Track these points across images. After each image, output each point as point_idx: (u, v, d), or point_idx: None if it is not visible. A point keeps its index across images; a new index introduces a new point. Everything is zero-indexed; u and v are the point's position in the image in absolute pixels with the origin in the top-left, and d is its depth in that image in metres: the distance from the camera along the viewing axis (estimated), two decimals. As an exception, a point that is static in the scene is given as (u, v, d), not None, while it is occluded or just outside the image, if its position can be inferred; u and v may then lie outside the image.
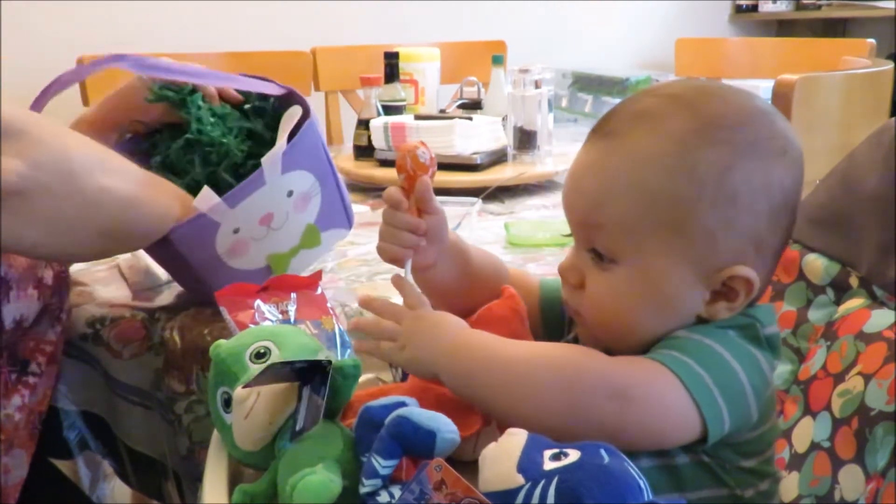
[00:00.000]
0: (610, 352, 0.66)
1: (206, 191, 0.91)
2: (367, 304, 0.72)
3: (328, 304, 0.84)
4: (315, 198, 1.00)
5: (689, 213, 0.63)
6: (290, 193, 0.96)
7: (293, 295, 0.83)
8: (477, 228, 1.30)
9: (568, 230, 0.70)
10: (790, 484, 0.78)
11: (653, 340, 0.66)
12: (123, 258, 1.16)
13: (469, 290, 0.76)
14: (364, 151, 1.74)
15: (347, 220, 1.08)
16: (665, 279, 0.64)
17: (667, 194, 0.63)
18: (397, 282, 0.72)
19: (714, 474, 0.64)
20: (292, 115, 1.01)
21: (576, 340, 0.74)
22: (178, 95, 1.02)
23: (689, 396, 0.60)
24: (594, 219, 0.66)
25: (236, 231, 0.93)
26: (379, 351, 0.69)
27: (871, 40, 2.15)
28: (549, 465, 0.52)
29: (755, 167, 0.64)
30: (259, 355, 0.69)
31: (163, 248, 0.93)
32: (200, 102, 1.02)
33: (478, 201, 1.30)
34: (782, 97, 1.23)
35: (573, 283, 0.69)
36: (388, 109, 1.80)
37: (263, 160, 0.94)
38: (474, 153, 1.62)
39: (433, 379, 0.67)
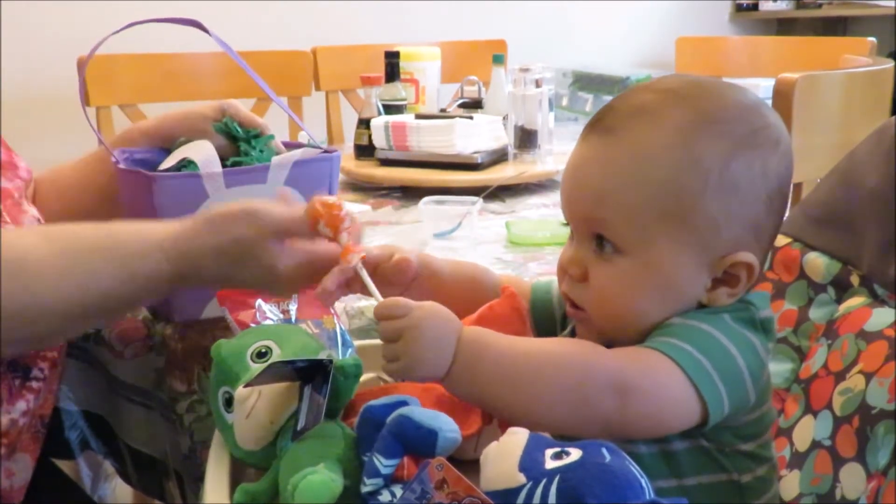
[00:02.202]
0: (611, 344, 0.66)
1: (214, 155, 0.90)
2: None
3: (329, 304, 0.84)
4: None
5: (694, 204, 0.64)
6: None
7: (294, 294, 0.83)
8: (478, 227, 1.30)
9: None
10: (791, 482, 0.78)
11: (653, 328, 0.66)
12: None
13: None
14: (365, 151, 1.74)
15: None
16: (671, 268, 0.65)
17: (671, 186, 0.64)
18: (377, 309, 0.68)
19: (713, 459, 0.65)
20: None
21: (571, 335, 0.74)
22: (244, 133, 1.02)
23: (690, 383, 0.61)
24: (599, 213, 0.66)
25: None
26: (390, 374, 0.68)
27: (872, 39, 2.15)
28: (550, 463, 0.52)
29: (754, 157, 0.65)
30: (260, 355, 0.69)
31: (140, 203, 0.91)
32: (263, 147, 1.01)
33: (478, 200, 1.30)
34: (783, 96, 1.23)
35: (576, 276, 0.69)
36: (389, 109, 1.80)
37: (275, 159, 0.94)
38: (475, 152, 1.62)
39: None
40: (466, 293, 0.78)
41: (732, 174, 0.65)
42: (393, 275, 0.76)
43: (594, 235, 0.67)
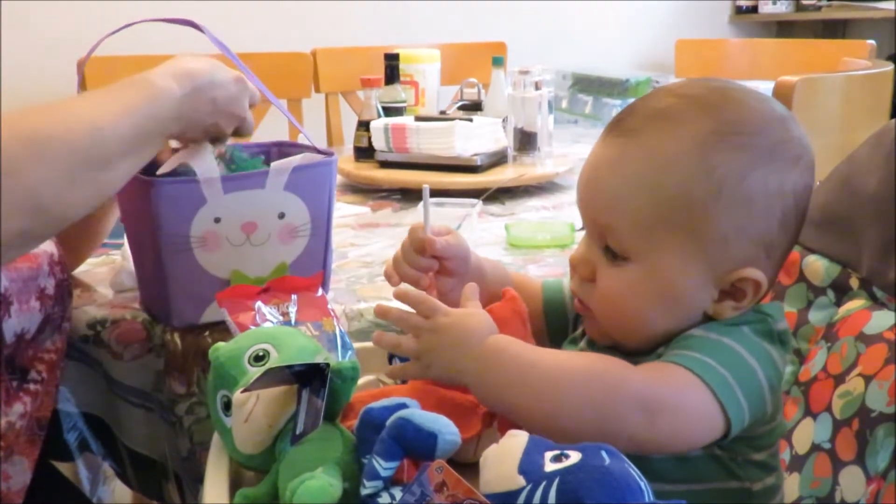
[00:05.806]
0: (618, 346, 0.67)
1: (212, 161, 0.90)
2: (383, 315, 0.71)
3: (329, 306, 0.84)
4: (301, 239, 0.97)
5: (705, 216, 0.64)
6: (281, 216, 0.95)
7: (294, 296, 0.83)
8: (477, 230, 1.30)
9: (579, 223, 0.71)
10: (791, 485, 0.78)
11: (661, 336, 0.66)
12: (114, 256, 1.16)
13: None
14: (364, 153, 1.74)
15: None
16: (676, 279, 0.65)
17: (684, 196, 0.64)
18: (401, 295, 0.70)
19: (726, 467, 0.65)
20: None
21: (583, 335, 0.74)
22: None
23: (715, 399, 0.61)
24: (609, 217, 0.66)
25: (217, 220, 0.92)
26: (405, 373, 0.69)
27: (871, 41, 2.15)
28: (549, 466, 0.52)
29: (771, 173, 0.64)
30: (258, 358, 0.69)
31: (138, 208, 0.91)
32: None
33: (478, 202, 1.30)
34: (782, 98, 1.23)
35: (584, 276, 0.69)
36: (389, 111, 1.80)
37: (274, 164, 0.94)
38: (474, 154, 1.62)
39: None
40: (496, 292, 0.77)
41: (747, 188, 0.64)
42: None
43: (604, 240, 0.67)
